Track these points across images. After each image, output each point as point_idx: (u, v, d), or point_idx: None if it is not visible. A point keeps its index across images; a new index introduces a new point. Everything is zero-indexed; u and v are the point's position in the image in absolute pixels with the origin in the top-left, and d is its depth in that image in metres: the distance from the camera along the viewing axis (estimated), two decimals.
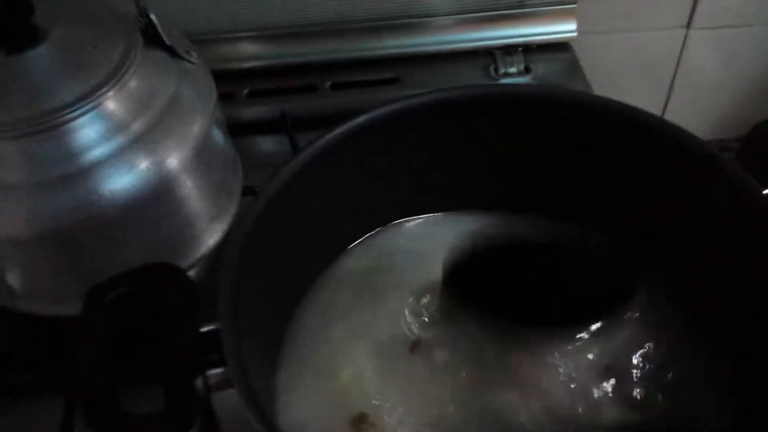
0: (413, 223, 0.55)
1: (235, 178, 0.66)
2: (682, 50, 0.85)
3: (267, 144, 0.75)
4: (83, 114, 0.53)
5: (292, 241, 0.46)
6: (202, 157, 0.59)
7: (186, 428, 0.33)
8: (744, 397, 0.41)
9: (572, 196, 0.50)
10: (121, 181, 0.54)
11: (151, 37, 0.59)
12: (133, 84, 0.56)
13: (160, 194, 0.56)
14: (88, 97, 0.53)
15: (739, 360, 0.42)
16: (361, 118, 0.46)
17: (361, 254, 0.53)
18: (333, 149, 0.46)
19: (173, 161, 0.56)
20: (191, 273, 0.60)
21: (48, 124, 0.52)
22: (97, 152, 0.53)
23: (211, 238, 0.62)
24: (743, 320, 0.43)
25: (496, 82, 0.76)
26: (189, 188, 0.59)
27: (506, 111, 0.48)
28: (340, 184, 0.49)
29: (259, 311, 0.41)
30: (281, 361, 0.46)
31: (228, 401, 0.55)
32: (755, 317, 0.42)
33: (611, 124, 0.46)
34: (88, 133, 0.53)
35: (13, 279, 0.58)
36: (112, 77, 0.55)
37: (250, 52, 0.78)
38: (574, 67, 0.78)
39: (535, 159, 0.50)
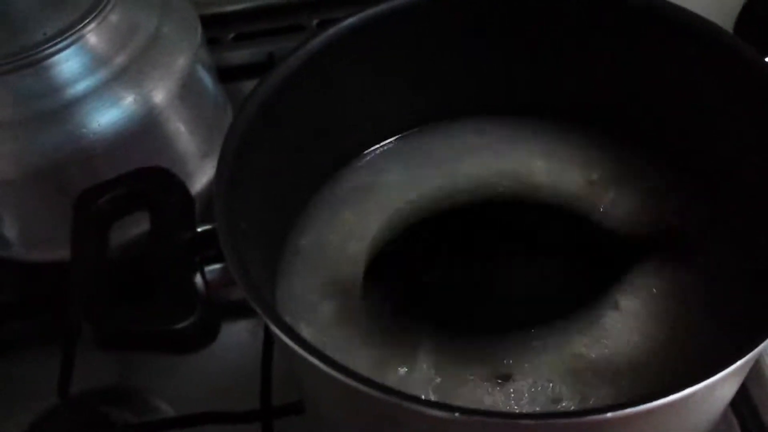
0: (417, 131, 0.53)
1: (225, 118, 0.65)
2: None
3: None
4: (65, 48, 0.53)
5: (294, 143, 0.44)
6: (189, 93, 0.59)
7: (186, 322, 0.32)
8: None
9: (573, 92, 0.49)
10: (108, 115, 0.54)
11: None
12: (114, 17, 0.55)
13: (148, 128, 0.56)
14: (69, 30, 0.53)
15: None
16: (353, 19, 0.45)
17: (371, 163, 0.52)
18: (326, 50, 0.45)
19: (159, 95, 0.56)
20: None
21: (30, 59, 0.52)
22: (82, 86, 0.53)
23: (204, 175, 0.61)
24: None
25: None
26: (178, 123, 0.59)
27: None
28: (340, 89, 0.47)
29: (259, 212, 0.40)
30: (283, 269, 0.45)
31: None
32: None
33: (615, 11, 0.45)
34: (72, 66, 0.53)
35: (6, 225, 0.57)
36: (93, 11, 0.55)
37: None
38: None
39: (535, 56, 0.49)
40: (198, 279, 0.34)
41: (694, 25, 0.42)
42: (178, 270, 0.34)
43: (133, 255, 0.35)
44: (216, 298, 0.36)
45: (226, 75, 0.70)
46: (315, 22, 0.76)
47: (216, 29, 0.76)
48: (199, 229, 0.36)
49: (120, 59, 0.55)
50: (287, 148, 0.44)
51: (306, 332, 0.42)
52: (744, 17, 0.41)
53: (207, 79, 0.62)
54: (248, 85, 0.72)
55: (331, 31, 0.46)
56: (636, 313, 0.43)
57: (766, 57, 0.40)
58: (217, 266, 0.35)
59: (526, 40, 0.49)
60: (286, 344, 0.30)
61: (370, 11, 0.46)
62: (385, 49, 0.48)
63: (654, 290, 0.44)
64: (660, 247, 0.46)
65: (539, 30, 0.48)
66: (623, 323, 0.43)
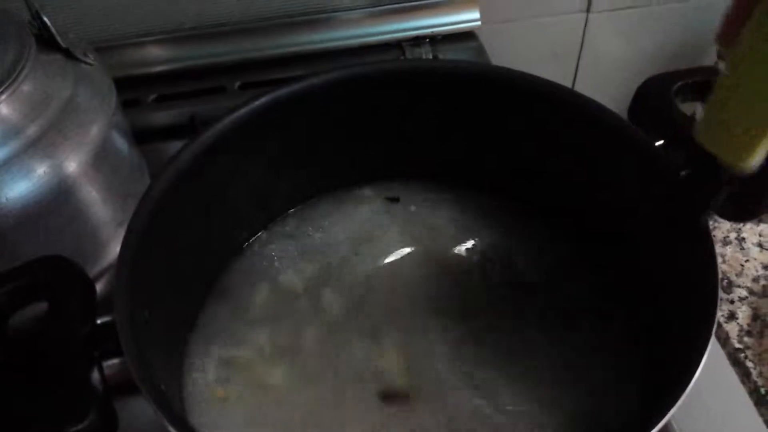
0: (316, 205, 0.55)
1: (141, 184, 0.64)
2: (584, 34, 0.87)
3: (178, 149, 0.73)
4: None
5: (197, 228, 0.45)
6: (104, 161, 0.58)
7: (81, 425, 0.32)
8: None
9: (482, 166, 0.52)
10: (18, 188, 0.53)
11: (46, 40, 0.58)
12: (26, 87, 0.55)
13: (60, 200, 0.55)
14: None
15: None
16: (260, 100, 0.46)
17: (268, 240, 0.53)
18: (231, 132, 0.45)
19: (72, 165, 0.55)
20: (99, 283, 0.58)
21: None
22: None
23: (119, 244, 0.59)
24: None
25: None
26: (91, 193, 0.58)
27: (412, 85, 0.49)
28: (240, 170, 0.48)
29: (162, 302, 0.40)
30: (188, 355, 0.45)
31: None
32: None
33: (510, 90, 0.47)
34: None
35: None
36: (5, 81, 0.53)
37: (154, 57, 0.76)
38: (481, 56, 0.78)
39: (442, 130, 0.51)
40: (95, 375, 0.34)
41: (591, 111, 0.44)
42: (75, 366, 0.33)
43: (29, 349, 0.34)
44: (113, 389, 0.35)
45: (146, 136, 0.70)
46: (237, 84, 0.77)
47: (137, 90, 0.76)
48: (99, 321, 0.36)
49: (32, 130, 0.54)
50: (188, 236, 0.44)
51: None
52: (635, 105, 0.43)
53: (122, 145, 0.62)
54: (169, 147, 0.73)
55: (220, 124, 0.47)
56: None
57: (656, 141, 0.42)
58: (116, 360, 0.35)
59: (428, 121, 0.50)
60: None
61: (285, 90, 0.48)
62: (288, 128, 0.49)
63: None
64: None
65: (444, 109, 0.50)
66: None
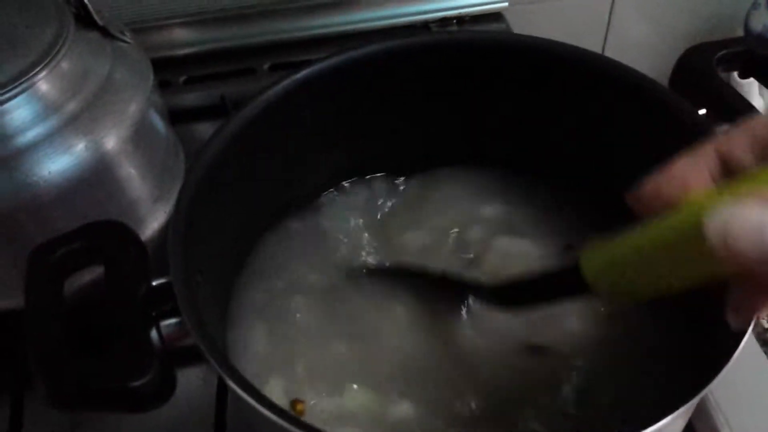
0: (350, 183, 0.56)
1: (177, 161, 0.65)
2: (610, 16, 0.88)
3: (209, 129, 0.73)
4: (16, 95, 0.52)
5: (243, 193, 0.46)
6: (142, 138, 0.59)
7: (143, 379, 0.33)
8: None
9: (508, 144, 0.52)
10: (59, 162, 0.53)
11: (83, 19, 0.59)
12: (65, 64, 0.55)
13: (100, 175, 0.56)
14: (20, 78, 0.53)
15: None
16: (301, 73, 0.47)
17: (309, 211, 0.53)
18: (270, 107, 0.46)
19: (111, 141, 0.56)
20: None
21: None
22: (33, 133, 0.53)
23: (156, 220, 0.61)
24: None
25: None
26: (129, 169, 0.58)
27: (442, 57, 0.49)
28: (285, 142, 0.49)
29: (211, 262, 0.40)
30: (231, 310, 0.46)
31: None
32: None
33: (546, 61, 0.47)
34: (23, 114, 0.53)
35: None
36: (45, 58, 0.54)
37: (184, 39, 0.77)
38: None
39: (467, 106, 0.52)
40: (154, 334, 0.34)
41: (633, 80, 0.44)
42: (134, 325, 0.34)
43: (88, 308, 0.35)
44: (170, 350, 0.36)
45: (177, 117, 0.70)
46: (266, 65, 0.77)
47: (167, 72, 0.77)
48: (154, 283, 0.37)
49: (71, 106, 0.54)
50: (237, 200, 0.45)
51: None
52: (677, 74, 0.43)
53: (159, 123, 0.63)
54: (200, 127, 0.74)
55: (286, 81, 0.47)
56: None
57: (699, 110, 0.42)
58: (173, 320, 0.35)
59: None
60: (251, 406, 0.31)
61: (326, 62, 0.48)
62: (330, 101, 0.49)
63: None
64: None
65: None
66: None
